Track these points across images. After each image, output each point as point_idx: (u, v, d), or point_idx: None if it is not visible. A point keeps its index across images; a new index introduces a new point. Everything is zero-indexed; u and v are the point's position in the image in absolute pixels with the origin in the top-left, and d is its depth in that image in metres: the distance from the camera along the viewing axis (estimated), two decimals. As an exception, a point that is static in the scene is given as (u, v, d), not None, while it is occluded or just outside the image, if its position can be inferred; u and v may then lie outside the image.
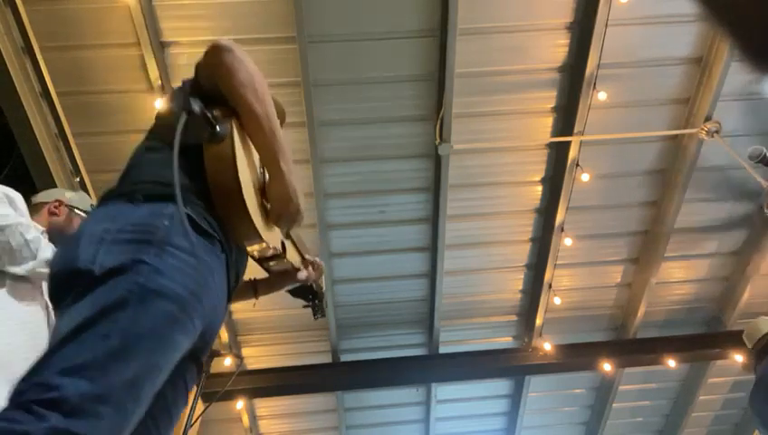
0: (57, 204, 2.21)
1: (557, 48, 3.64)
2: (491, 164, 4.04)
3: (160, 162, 1.21)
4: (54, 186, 3.41)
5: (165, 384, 1.06)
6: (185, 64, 3.43)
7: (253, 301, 1.62)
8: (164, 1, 3.24)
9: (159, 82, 3.36)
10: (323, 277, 1.83)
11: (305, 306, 1.82)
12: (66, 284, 1.04)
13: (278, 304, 4.49)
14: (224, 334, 4.50)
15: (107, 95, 3.47)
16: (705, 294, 4.89)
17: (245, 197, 1.19)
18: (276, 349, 4.80)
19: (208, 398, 3.79)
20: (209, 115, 1.17)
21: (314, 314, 1.84)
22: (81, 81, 3.41)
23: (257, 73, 1.28)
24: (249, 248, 1.32)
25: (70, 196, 2.33)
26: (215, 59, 1.26)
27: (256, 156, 1.36)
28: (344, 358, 4.83)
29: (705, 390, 5.32)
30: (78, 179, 3.57)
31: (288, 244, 1.47)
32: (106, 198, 1.21)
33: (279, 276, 1.57)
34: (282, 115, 1.59)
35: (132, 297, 0.98)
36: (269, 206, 1.34)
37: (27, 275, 1.83)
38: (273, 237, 1.33)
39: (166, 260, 1.04)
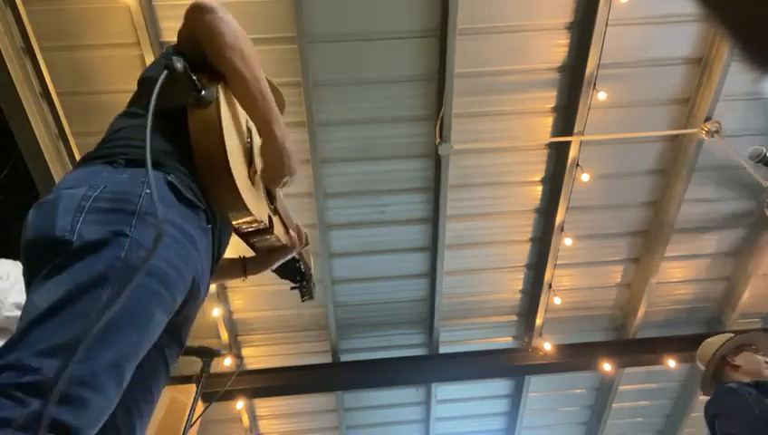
0: None
1: (557, 48, 3.64)
2: (491, 164, 4.04)
3: (140, 127, 1.13)
4: (54, 186, 3.41)
5: (144, 361, 1.00)
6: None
7: (241, 279, 1.55)
8: (164, 1, 3.23)
9: (159, 82, 3.36)
10: (311, 259, 1.77)
11: (293, 288, 1.75)
12: (42, 252, 0.97)
13: (278, 305, 4.49)
14: (224, 334, 4.50)
15: (107, 95, 3.47)
16: (705, 294, 4.89)
17: (232, 165, 1.14)
18: (276, 349, 4.80)
19: (208, 398, 3.78)
20: (193, 76, 1.11)
21: (302, 296, 1.77)
22: (81, 81, 3.41)
23: (243, 34, 1.21)
24: (234, 221, 1.26)
25: None
26: (196, 20, 1.19)
27: (244, 123, 1.30)
28: (344, 358, 4.83)
29: (705, 390, 5.31)
30: (78, 179, 3.57)
31: (275, 219, 1.41)
32: (85, 160, 1.14)
33: (266, 254, 1.51)
34: (281, 103, 1.53)
35: (113, 273, 0.92)
36: (260, 170, 1.29)
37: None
38: (260, 211, 1.27)
39: (148, 232, 0.97)
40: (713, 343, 2.77)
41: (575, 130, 3.78)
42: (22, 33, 3.14)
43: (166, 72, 1.06)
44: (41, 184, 3.45)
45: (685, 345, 4.74)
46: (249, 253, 1.52)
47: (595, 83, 3.62)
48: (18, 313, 1.82)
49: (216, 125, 1.14)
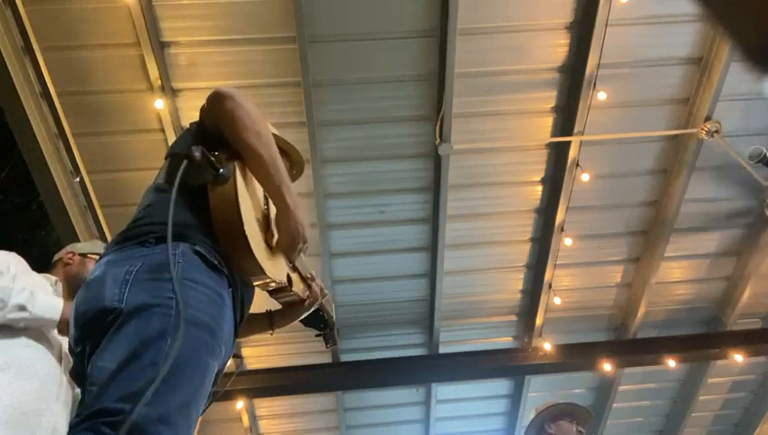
0: (70, 255, 2.30)
1: (557, 48, 3.64)
2: (491, 164, 4.04)
3: (165, 203, 1.27)
4: (54, 186, 3.41)
5: None
6: (185, 64, 3.43)
7: (269, 332, 1.70)
8: (164, 1, 3.23)
9: (159, 82, 3.36)
10: (333, 308, 1.89)
11: (317, 335, 1.88)
12: (95, 324, 1.10)
13: (278, 305, 4.48)
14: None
15: (107, 95, 3.47)
16: (705, 294, 4.89)
17: (248, 235, 1.25)
18: (276, 349, 4.80)
19: (208, 398, 3.78)
20: (211, 159, 1.23)
21: (326, 343, 1.90)
22: (81, 81, 3.41)
23: (259, 116, 1.34)
24: (255, 283, 1.39)
25: (81, 245, 2.46)
26: (216, 106, 1.32)
27: (260, 194, 1.42)
28: (344, 358, 4.83)
29: (705, 390, 5.31)
30: (78, 179, 3.57)
31: (294, 276, 1.53)
32: (120, 242, 1.27)
33: (290, 307, 1.65)
34: (299, 161, 1.69)
35: (169, 327, 1.05)
36: (276, 238, 1.40)
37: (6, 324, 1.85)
38: (277, 271, 1.39)
39: (188, 293, 1.12)
40: (537, 408, 3.00)
41: (575, 130, 3.78)
42: (22, 33, 3.14)
43: (185, 162, 1.20)
44: (40, 184, 3.45)
45: (685, 345, 4.74)
46: (276, 306, 1.67)
47: (595, 83, 3.62)
48: (21, 314, 1.83)
49: (232, 200, 1.25)
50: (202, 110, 1.40)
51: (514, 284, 4.71)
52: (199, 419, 1.22)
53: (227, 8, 3.27)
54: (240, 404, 4.72)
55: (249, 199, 1.33)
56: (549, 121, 3.91)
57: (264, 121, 1.35)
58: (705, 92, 3.74)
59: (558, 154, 4.02)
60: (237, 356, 4.50)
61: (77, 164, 3.57)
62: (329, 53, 3.47)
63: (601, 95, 3.65)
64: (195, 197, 1.27)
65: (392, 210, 4.18)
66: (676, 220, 4.23)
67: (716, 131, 3.78)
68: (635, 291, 4.75)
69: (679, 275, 4.71)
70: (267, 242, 1.38)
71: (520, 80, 3.71)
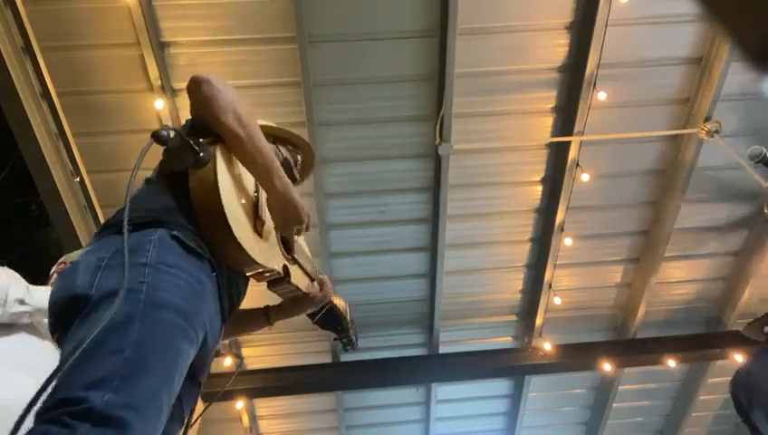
0: (62, 266, 2.29)
1: (557, 48, 3.64)
2: (491, 164, 4.04)
3: (148, 192, 1.32)
4: (54, 186, 3.41)
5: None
6: (185, 64, 3.43)
7: (267, 327, 1.65)
8: (164, 1, 3.23)
9: (159, 82, 3.36)
10: (348, 310, 1.83)
11: (335, 339, 1.84)
12: (66, 310, 1.09)
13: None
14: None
15: (107, 95, 3.47)
16: (705, 294, 4.89)
17: (230, 218, 1.23)
18: (276, 349, 4.80)
19: (208, 398, 3.78)
20: (189, 141, 1.23)
21: (344, 347, 1.86)
22: (81, 81, 3.41)
23: (238, 98, 1.33)
24: (246, 271, 1.35)
25: (74, 254, 2.47)
26: (194, 92, 1.32)
27: (251, 179, 1.40)
28: (344, 358, 4.83)
29: (705, 390, 5.31)
30: (78, 179, 3.57)
31: (294, 268, 1.50)
32: (99, 233, 1.28)
33: (290, 302, 1.61)
34: (310, 161, 1.72)
35: (137, 313, 1.03)
36: (270, 221, 1.38)
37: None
38: (269, 259, 1.35)
39: (161, 277, 1.10)
40: None
41: (575, 130, 3.78)
42: (22, 33, 3.14)
43: (151, 140, 1.20)
44: (41, 184, 3.45)
45: (685, 345, 4.74)
46: (276, 300, 1.62)
47: (595, 83, 3.62)
48: (22, 308, 1.82)
49: (211, 182, 1.24)
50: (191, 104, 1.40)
51: (514, 284, 4.71)
52: (199, 419, 1.21)
53: (227, 8, 3.27)
54: (240, 404, 4.72)
55: (233, 184, 1.31)
56: (549, 121, 3.91)
57: (245, 104, 1.33)
58: (705, 92, 3.74)
59: (558, 154, 4.02)
60: (237, 356, 4.50)
61: (77, 164, 3.57)
62: (329, 53, 3.47)
63: (601, 95, 3.65)
64: (177, 183, 1.27)
65: (392, 210, 4.18)
66: (676, 220, 4.22)
67: (716, 131, 3.77)
68: (635, 291, 4.75)
69: (679, 275, 4.71)
70: (256, 229, 1.36)
71: (520, 80, 3.71)
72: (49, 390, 0.91)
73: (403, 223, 4.26)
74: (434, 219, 4.17)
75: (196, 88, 1.30)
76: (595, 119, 3.78)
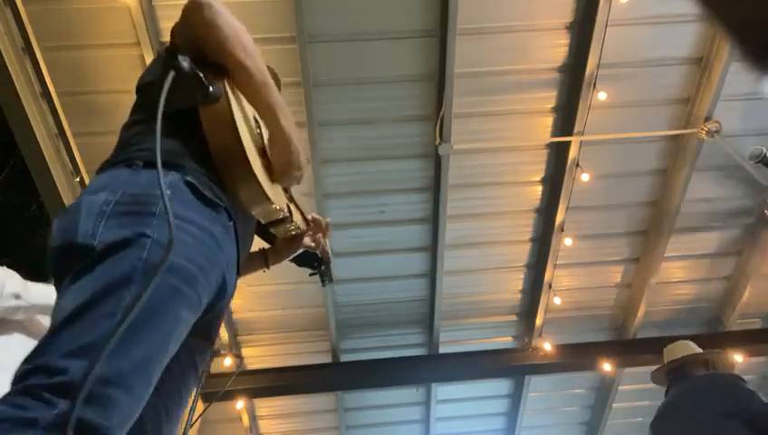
0: None
1: (557, 48, 3.64)
2: (491, 164, 4.04)
3: (148, 132, 1.16)
4: (54, 186, 3.41)
5: (173, 363, 1.01)
6: (185, 64, 3.43)
7: (263, 270, 1.57)
8: (164, 1, 3.24)
9: (159, 81, 3.36)
10: (329, 241, 1.74)
11: (312, 274, 1.74)
12: (66, 259, 0.99)
13: (278, 305, 4.49)
14: (224, 334, 4.50)
15: (107, 95, 3.47)
16: (705, 294, 4.89)
17: (249, 156, 1.14)
18: (276, 349, 4.80)
19: (208, 398, 3.79)
20: (200, 74, 1.10)
21: (322, 282, 1.76)
22: (81, 81, 3.41)
23: (241, 27, 1.21)
24: (256, 212, 1.25)
25: None
26: (195, 16, 1.19)
27: (251, 115, 1.29)
28: (344, 358, 4.83)
29: (705, 390, 5.31)
30: (78, 179, 3.57)
31: (293, 207, 1.43)
32: (103, 167, 1.17)
33: (287, 242, 1.52)
34: (277, 81, 1.51)
35: (136, 273, 0.93)
36: (271, 164, 1.29)
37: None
38: (279, 200, 1.27)
39: (168, 232, 0.96)
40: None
41: (575, 130, 3.78)
42: (22, 33, 3.14)
43: (173, 72, 1.05)
44: (41, 184, 3.45)
45: (685, 345, 4.74)
46: (264, 246, 1.55)
47: (595, 83, 3.62)
48: (17, 302, 1.82)
49: (228, 119, 1.13)
50: (174, 28, 1.27)
51: (514, 284, 4.71)
52: (199, 419, 1.18)
53: (227, 8, 3.26)
54: (240, 404, 4.72)
55: (243, 121, 1.20)
56: (549, 121, 3.90)
57: (248, 34, 1.21)
58: (705, 92, 3.74)
59: (558, 154, 4.02)
60: (237, 356, 4.50)
61: (77, 164, 3.57)
62: (329, 52, 3.47)
63: (602, 95, 3.65)
64: (183, 122, 1.14)
65: (392, 210, 4.18)
66: (677, 220, 4.23)
67: (717, 131, 3.77)
68: (635, 291, 4.74)
69: (679, 275, 4.71)
70: (266, 167, 1.25)
71: (520, 80, 3.71)
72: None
73: (403, 223, 4.26)
74: (434, 219, 4.17)
75: (197, 13, 1.17)
76: (595, 119, 3.78)
